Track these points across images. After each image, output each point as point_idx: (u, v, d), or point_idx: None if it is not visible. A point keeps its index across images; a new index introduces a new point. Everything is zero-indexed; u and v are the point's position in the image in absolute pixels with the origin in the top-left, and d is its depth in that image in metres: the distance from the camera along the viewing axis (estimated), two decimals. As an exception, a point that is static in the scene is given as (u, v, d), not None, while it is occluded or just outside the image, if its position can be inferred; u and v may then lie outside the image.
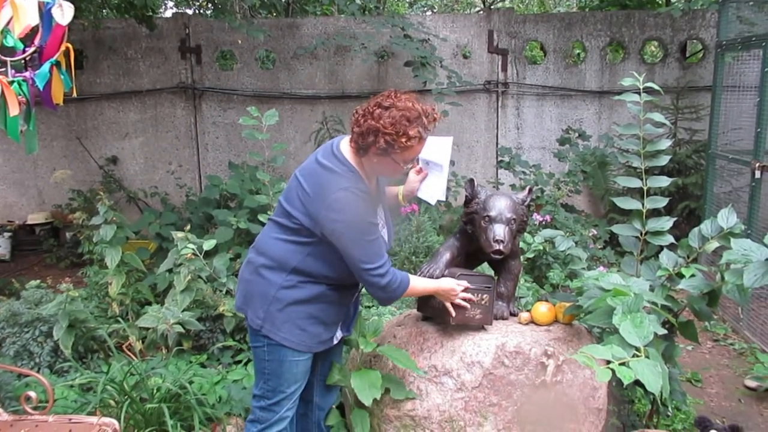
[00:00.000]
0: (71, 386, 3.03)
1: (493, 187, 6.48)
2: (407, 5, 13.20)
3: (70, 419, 2.27)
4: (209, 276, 3.57)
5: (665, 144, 2.74)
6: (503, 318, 2.60)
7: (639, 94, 2.68)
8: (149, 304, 3.82)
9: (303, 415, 2.53)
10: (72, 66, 2.26)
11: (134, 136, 6.99)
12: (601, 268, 4.01)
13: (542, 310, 2.58)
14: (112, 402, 2.81)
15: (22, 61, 2.15)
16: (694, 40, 6.94)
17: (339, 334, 2.36)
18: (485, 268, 2.84)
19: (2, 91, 2.04)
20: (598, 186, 6.49)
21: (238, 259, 4.13)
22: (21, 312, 3.50)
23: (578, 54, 7.81)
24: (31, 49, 2.15)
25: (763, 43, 4.09)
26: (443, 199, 2.50)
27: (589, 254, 4.64)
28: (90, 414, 2.61)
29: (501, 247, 2.34)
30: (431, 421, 2.38)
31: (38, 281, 3.87)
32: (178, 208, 6.15)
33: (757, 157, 4.15)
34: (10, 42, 2.07)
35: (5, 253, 6.50)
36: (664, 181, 2.75)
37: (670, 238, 2.66)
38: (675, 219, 2.75)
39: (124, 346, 3.44)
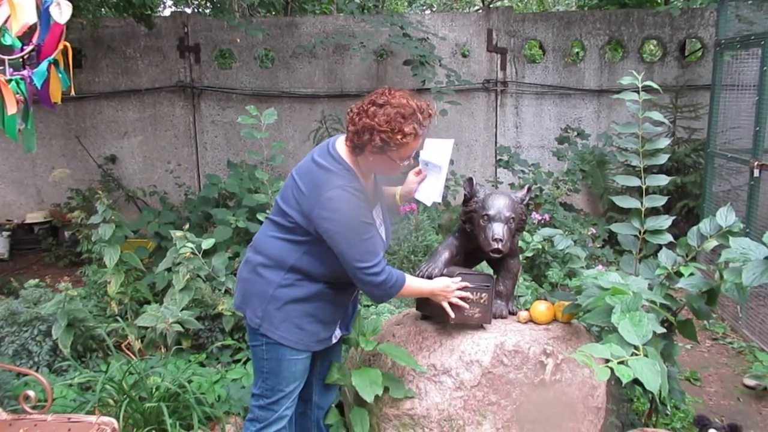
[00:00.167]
0: (70, 385, 3.03)
1: (492, 185, 6.48)
2: (406, 4, 13.19)
3: (69, 418, 2.27)
4: (208, 275, 3.57)
5: (664, 143, 2.74)
6: (502, 317, 2.60)
7: (638, 92, 2.68)
8: (148, 303, 3.82)
9: (302, 413, 2.53)
10: (70, 65, 2.26)
11: (133, 135, 6.98)
12: (600, 266, 4.01)
13: (541, 308, 2.58)
14: (111, 401, 2.81)
15: (20, 60, 2.15)
16: (693, 39, 6.94)
17: (338, 333, 2.36)
18: (484, 266, 2.84)
19: (0, 90, 2.04)
20: (596, 185, 6.49)
21: (237, 258, 4.12)
22: (20, 311, 3.49)
23: (577, 53, 7.81)
24: (29, 48, 2.15)
25: (762, 42, 4.09)
26: (439, 201, 2.49)
27: (587, 253, 4.64)
28: (89, 413, 2.61)
29: (500, 245, 2.34)
30: (430, 420, 2.38)
31: (37, 280, 3.87)
32: (176, 207, 6.14)
33: (756, 156, 4.15)
34: (8, 40, 2.07)
35: (4, 252, 6.49)
36: (663, 180, 2.75)
37: (668, 237, 2.66)
38: (674, 217, 2.75)
39: (122, 345, 3.44)
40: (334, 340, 2.35)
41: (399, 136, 2.02)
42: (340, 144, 2.16)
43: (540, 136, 6.94)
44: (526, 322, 2.57)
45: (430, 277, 2.42)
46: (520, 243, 4.21)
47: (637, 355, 1.90)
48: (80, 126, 6.91)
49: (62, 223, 6.52)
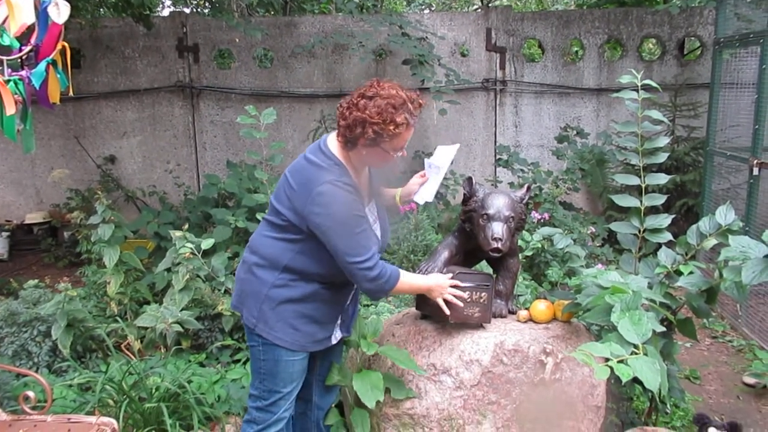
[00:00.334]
0: (70, 386, 3.02)
1: (492, 185, 6.48)
2: (405, 3, 13.19)
3: (68, 419, 2.27)
4: (207, 275, 3.57)
5: (663, 141, 2.74)
6: (502, 316, 2.60)
7: (637, 91, 2.68)
8: (148, 303, 3.82)
9: (302, 414, 2.53)
10: (69, 65, 2.25)
11: (132, 135, 6.97)
12: (600, 265, 4.02)
13: (541, 308, 2.58)
14: (110, 401, 2.80)
15: (19, 60, 2.15)
16: (692, 38, 6.94)
17: (338, 334, 2.35)
18: (484, 266, 2.84)
19: (-1, 91, 2.04)
20: (596, 183, 6.49)
21: (237, 258, 4.12)
22: (19, 311, 3.49)
23: (576, 52, 7.81)
24: (28, 48, 2.15)
25: (761, 40, 4.09)
26: (431, 201, 2.49)
27: (587, 252, 4.64)
28: (89, 413, 2.60)
29: (499, 245, 2.34)
30: (430, 420, 2.38)
31: (36, 281, 3.87)
32: (176, 207, 6.14)
33: (755, 154, 4.15)
34: (6, 41, 2.07)
35: (3, 252, 6.48)
36: (663, 179, 2.75)
37: (668, 236, 2.66)
38: (673, 216, 2.75)
39: (122, 346, 3.43)
40: (333, 341, 2.33)
41: (391, 127, 2.01)
42: (332, 140, 2.15)
43: (539, 135, 6.94)
44: (525, 321, 2.58)
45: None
46: (520, 242, 4.21)
47: (636, 353, 1.91)
48: (79, 126, 6.91)
49: (61, 223, 6.52)
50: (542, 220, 5.03)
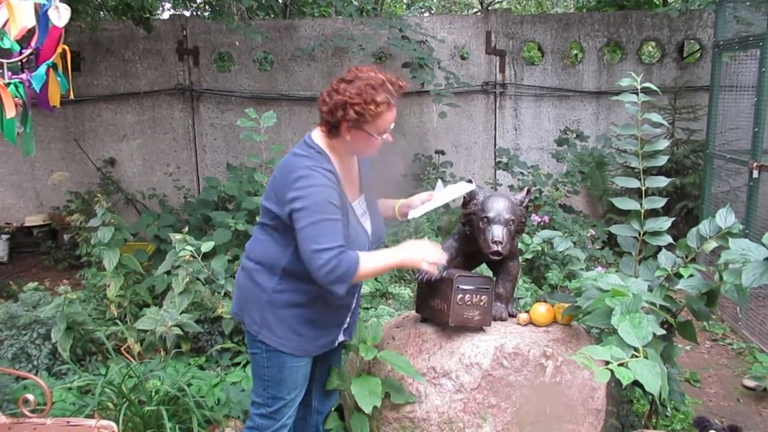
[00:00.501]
0: (69, 389, 3.01)
1: (492, 188, 6.48)
2: (405, 6, 13.21)
3: (68, 422, 2.26)
4: (207, 278, 3.56)
5: (663, 144, 2.74)
6: (502, 319, 2.60)
7: (637, 94, 2.68)
8: (147, 306, 3.81)
9: (302, 419, 2.50)
10: (69, 68, 2.25)
11: (132, 137, 6.98)
12: (600, 268, 4.02)
13: (541, 311, 2.57)
14: (110, 404, 2.80)
15: (19, 63, 2.15)
16: (692, 41, 6.95)
17: (341, 338, 2.33)
18: (484, 269, 2.84)
19: (-1, 94, 2.04)
20: (596, 186, 6.50)
21: (237, 260, 4.12)
22: (19, 314, 3.49)
23: (576, 55, 7.81)
24: (28, 51, 2.15)
25: (760, 43, 4.09)
26: (416, 217, 2.47)
27: (587, 255, 4.64)
28: (88, 417, 2.60)
29: (499, 248, 2.34)
30: (430, 423, 2.37)
31: (36, 283, 3.87)
32: (176, 210, 6.14)
33: (755, 157, 4.15)
34: (6, 44, 2.07)
35: (3, 255, 6.48)
36: (662, 181, 2.75)
37: (668, 239, 2.66)
38: (673, 219, 2.75)
39: (122, 349, 3.43)
40: (334, 344, 2.32)
41: (372, 107, 2.00)
42: (316, 133, 2.14)
43: (539, 138, 6.94)
44: (525, 325, 2.57)
45: (430, 281, 2.42)
46: (520, 245, 4.21)
47: (637, 356, 1.90)
48: (79, 129, 6.91)
49: (61, 226, 6.51)
50: (542, 223, 5.03)
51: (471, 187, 2.42)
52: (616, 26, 6.75)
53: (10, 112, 2.07)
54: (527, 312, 2.61)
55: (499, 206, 2.39)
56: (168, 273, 3.65)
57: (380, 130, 2.07)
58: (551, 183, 5.90)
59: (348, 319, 2.32)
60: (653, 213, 2.73)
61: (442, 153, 6.61)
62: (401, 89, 2.09)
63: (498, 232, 2.35)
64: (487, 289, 2.41)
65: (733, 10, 4.75)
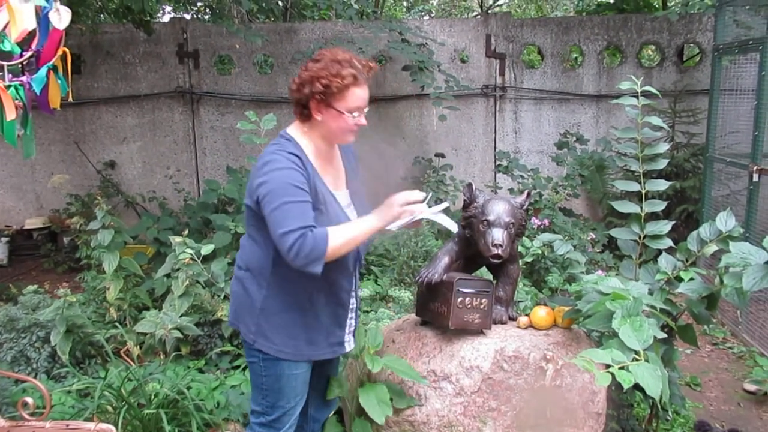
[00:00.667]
0: (68, 392, 3.01)
1: (492, 191, 6.48)
2: (405, 10, 13.24)
3: (67, 425, 2.25)
4: (207, 281, 3.56)
5: (663, 147, 2.75)
6: (502, 322, 2.59)
7: (636, 97, 2.69)
8: (147, 309, 3.81)
9: (298, 427, 2.44)
10: (69, 70, 2.26)
11: (132, 140, 6.98)
12: (600, 271, 4.02)
13: (541, 314, 2.57)
14: (109, 408, 2.80)
15: (19, 66, 2.15)
16: (691, 44, 6.96)
17: (349, 342, 2.27)
18: (484, 272, 2.84)
19: (-1, 96, 2.04)
20: (596, 190, 6.50)
21: (236, 263, 4.12)
22: (18, 317, 3.48)
23: (576, 58, 7.83)
24: (28, 54, 2.15)
25: (760, 47, 4.10)
26: (392, 230, 2.24)
27: (587, 258, 4.64)
28: (87, 420, 2.60)
29: (499, 251, 2.34)
30: (430, 427, 2.37)
31: (36, 286, 3.86)
32: (176, 213, 6.14)
33: (755, 161, 4.16)
34: (6, 46, 2.07)
35: (3, 257, 6.48)
36: (662, 185, 2.74)
37: (668, 242, 2.66)
38: (673, 222, 2.75)
39: (121, 352, 3.43)
40: (347, 348, 2.26)
41: (338, 80, 2.01)
42: (291, 126, 2.18)
43: (539, 141, 6.94)
44: (526, 328, 2.57)
45: (430, 283, 2.41)
46: (520, 248, 4.21)
47: (637, 360, 1.90)
48: (79, 132, 6.91)
49: (61, 228, 6.51)
50: (542, 227, 5.03)
51: (454, 226, 2.25)
52: (616, 30, 6.76)
53: (11, 115, 2.07)
54: (527, 315, 2.61)
55: (499, 209, 2.39)
56: (168, 276, 3.65)
57: (349, 106, 2.05)
58: (551, 186, 5.90)
59: (350, 321, 2.26)
60: (653, 216, 2.73)
61: (442, 156, 6.62)
62: (371, 69, 2.11)
63: (498, 235, 2.35)
64: (488, 292, 2.41)
65: (732, 14, 4.76)
